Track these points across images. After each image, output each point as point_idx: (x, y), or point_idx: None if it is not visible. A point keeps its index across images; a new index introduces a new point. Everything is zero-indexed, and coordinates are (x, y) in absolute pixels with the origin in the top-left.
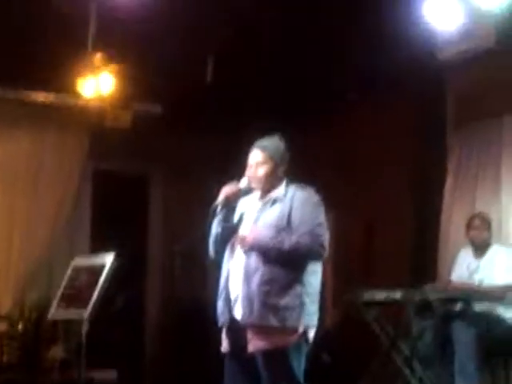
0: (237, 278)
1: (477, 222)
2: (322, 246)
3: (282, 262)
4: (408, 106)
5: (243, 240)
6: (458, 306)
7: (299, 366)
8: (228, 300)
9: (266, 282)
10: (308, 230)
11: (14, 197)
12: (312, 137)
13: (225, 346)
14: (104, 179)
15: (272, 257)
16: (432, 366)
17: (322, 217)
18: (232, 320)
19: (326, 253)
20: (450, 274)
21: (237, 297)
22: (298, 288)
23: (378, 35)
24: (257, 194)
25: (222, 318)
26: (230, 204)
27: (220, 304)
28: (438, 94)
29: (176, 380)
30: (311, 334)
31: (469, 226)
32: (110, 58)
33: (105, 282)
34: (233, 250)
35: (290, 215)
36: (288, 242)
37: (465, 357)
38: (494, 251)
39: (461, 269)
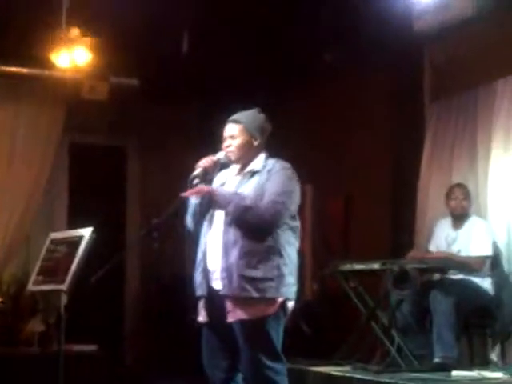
0: (215, 251)
1: (457, 191)
2: (277, 212)
3: (243, 221)
4: (386, 77)
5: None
6: (436, 276)
7: (278, 336)
8: (206, 272)
9: (245, 255)
10: (272, 195)
11: None
12: (290, 109)
13: (202, 316)
14: (81, 152)
15: (232, 209)
16: (410, 335)
17: (289, 189)
18: (210, 291)
19: (280, 222)
20: (427, 244)
21: (215, 269)
22: (276, 259)
23: (355, 4)
24: (236, 167)
25: (199, 289)
26: (208, 176)
27: (197, 276)
28: (415, 64)
29: (155, 352)
30: (290, 305)
31: (449, 195)
32: (84, 31)
33: (83, 254)
34: (211, 223)
35: (265, 187)
36: (249, 200)
37: (442, 325)
38: (472, 223)
39: (439, 239)
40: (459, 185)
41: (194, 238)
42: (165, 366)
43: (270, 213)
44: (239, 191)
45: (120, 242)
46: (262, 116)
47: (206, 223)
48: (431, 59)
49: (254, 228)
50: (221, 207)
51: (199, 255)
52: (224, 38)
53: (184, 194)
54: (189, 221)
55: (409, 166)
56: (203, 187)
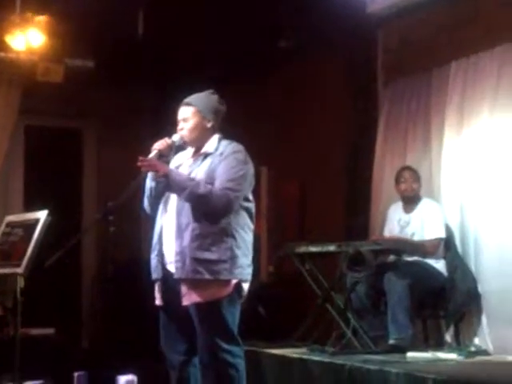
0: (170, 234)
1: (406, 174)
2: (229, 200)
3: (196, 207)
4: (340, 61)
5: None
6: (390, 258)
7: (233, 318)
8: (161, 255)
9: (197, 237)
10: (224, 182)
11: None
12: (246, 92)
13: (158, 299)
14: (36, 135)
15: (186, 197)
16: (365, 316)
17: (242, 173)
18: (165, 274)
19: (235, 207)
20: (382, 229)
21: (169, 252)
22: (228, 241)
23: None
24: (191, 150)
25: (154, 273)
26: (163, 158)
27: (153, 259)
28: (369, 47)
29: (113, 335)
30: (245, 287)
31: (398, 179)
32: (39, 13)
33: (39, 237)
34: (166, 206)
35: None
36: (203, 187)
37: (397, 307)
38: (424, 205)
39: (392, 224)
40: (408, 167)
41: (150, 221)
42: (122, 349)
43: (222, 202)
44: (192, 174)
45: (76, 224)
46: (215, 97)
47: (161, 206)
48: (384, 42)
49: (207, 215)
50: (175, 192)
51: (155, 238)
52: (181, 19)
53: (141, 164)
54: (145, 203)
55: (363, 149)
56: (160, 165)
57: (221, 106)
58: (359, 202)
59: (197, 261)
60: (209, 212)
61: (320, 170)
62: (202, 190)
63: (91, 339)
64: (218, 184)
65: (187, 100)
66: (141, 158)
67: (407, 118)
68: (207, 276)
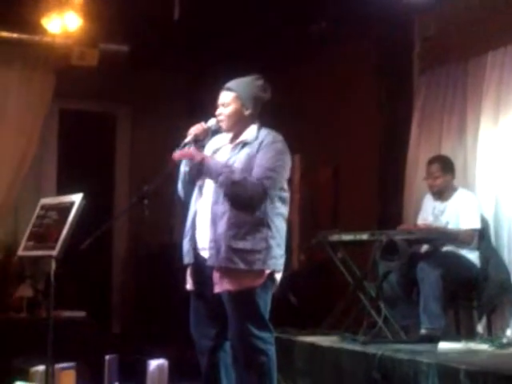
0: (204, 220)
1: (432, 168)
2: (264, 189)
3: (231, 195)
4: (375, 47)
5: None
6: (424, 248)
7: (265, 305)
8: (194, 240)
9: (233, 226)
10: (261, 171)
11: None
12: (279, 79)
13: (190, 284)
14: (70, 119)
15: (221, 183)
16: (397, 306)
17: (280, 163)
18: (197, 260)
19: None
20: (416, 217)
21: (203, 238)
22: (264, 231)
23: None
24: (228, 135)
25: (186, 257)
26: (199, 143)
27: (185, 244)
28: (405, 36)
29: (144, 319)
30: (278, 276)
31: (426, 172)
32: None
33: (73, 220)
34: (201, 191)
35: (255, 159)
36: (238, 175)
37: (429, 297)
38: (460, 195)
39: (426, 212)
40: (435, 160)
41: (184, 205)
42: (153, 333)
43: (257, 190)
44: (230, 162)
45: (108, 209)
46: (258, 84)
47: (196, 190)
48: (421, 30)
49: (242, 203)
50: (210, 178)
51: (188, 223)
52: (215, 4)
53: (175, 156)
54: (179, 188)
55: (397, 138)
56: (196, 152)
57: (263, 94)
58: (393, 191)
59: (232, 250)
60: (243, 200)
61: (353, 158)
62: (237, 177)
63: (122, 323)
64: (254, 173)
65: (228, 84)
66: (174, 155)
67: (443, 107)
68: (241, 266)
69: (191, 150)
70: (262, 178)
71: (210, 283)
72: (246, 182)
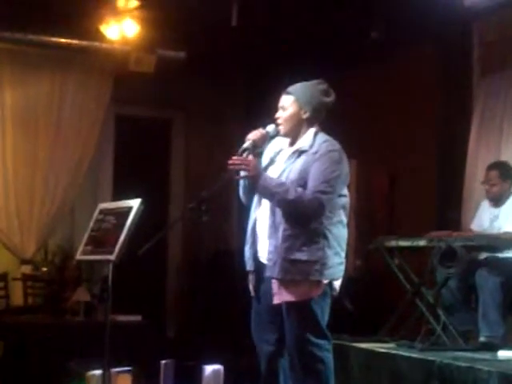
0: (263, 230)
1: (489, 175)
2: (321, 204)
3: (287, 212)
4: (434, 53)
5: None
6: (483, 254)
7: (323, 313)
8: (254, 248)
9: (288, 238)
10: (316, 185)
11: (36, 141)
12: (337, 83)
13: (251, 290)
14: (127, 124)
15: (276, 203)
16: (456, 313)
17: (335, 174)
18: (258, 267)
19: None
20: (470, 223)
21: (263, 248)
22: (320, 242)
23: None
24: (286, 140)
25: (248, 264)
26: (257, 149)
27: (246, 251)
28: (464, 41)
29: (199, 324)
30: (337, 284)
31: (485, 177)
32: (134, 3)
33: (131, 225)
34: (260, 198)
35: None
36: (293, 193)
37: (489, 304)
38: None
39: (480, 218)
40: (494, 166)
41: (247, 210)
42: (207, 339)
43: (313, 206)
44: (285, 172)
45: (163, 214)
46: (320, 88)
47: (256, 198)
48: (481, 35)
49: (299, 219)
50: (263, 197)
51: (249, 230)
52: (273, 10)
53: (230, 163)
54: (241, 194)
55: (456, 144)
56: (252, 167)
57: (325, 98)
58: (451, 196)
59: (287, 261)
60: (299, 217)
61: (410, 163)
62: (291, 195)
63: (176, 328)
64: (310, 186)
65: (289, 88)
66: (230, 162)
67: (503, 111)
68: (298, 277)
69: (249, 159)
70: (317, 192)
71: (270, 289)
72: (302, 199)
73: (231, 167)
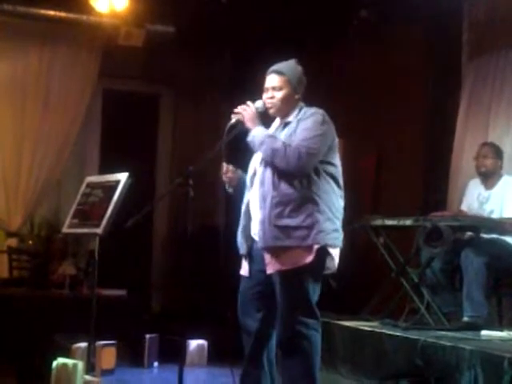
0: (255, 206)
1: (483, 150)
2: (300, 154)
3: (272, 161)
4: (423, 34)
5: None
6: (468, 235)
7: (314, 291)
8: (247, 231)
9: (277, 205)
10: (299, 141)
11: (23, 114)
12: (324, 63)
13: (244, 271)
14: (114, 98)
15: (263, 151)
16: (440, 292)
17: (318, 133)
18: (251, 249)
19: (307, 166)
20: (459, 204)
21: (255, 223)
22: (309, 207)
23: None
24: (276, 122)
25: (241, 248)
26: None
27: (239, 235)
28: (454, 21)
29: (184, 300)
30: (334, 252)
31: (477, 154)
32: None
33: (119, 198)
34: (251, 181)
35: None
36: (280, 143)
37: (473, 284)
38: (505, 182)
39: (471, 199)
40: (488, 143)
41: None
42: (192, 314)
43: (294, 156)
44: None
45: (150, 188)
46: (300, 68)
47: (248, 182)
48: (470, 16)
49: (282, 170)
50: (253, 147)
51: (242, 213)
52: None
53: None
54: (227, 187)
55: (443, 124)
56: (253, 119)
57: (304, 78)
58: (437, 177)
59: (277, 228)
60: (283, 168)
61: (398, 144)
62: (278, 145)
63: (161, 303)
64: (294, 143)
65: (278, 68)
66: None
67: (491, 94)
68: (287, 242)
69: (253, 114)
70: (299, 146)
71: (263, 267)
72: (285, 149)
73: (235, 113)
